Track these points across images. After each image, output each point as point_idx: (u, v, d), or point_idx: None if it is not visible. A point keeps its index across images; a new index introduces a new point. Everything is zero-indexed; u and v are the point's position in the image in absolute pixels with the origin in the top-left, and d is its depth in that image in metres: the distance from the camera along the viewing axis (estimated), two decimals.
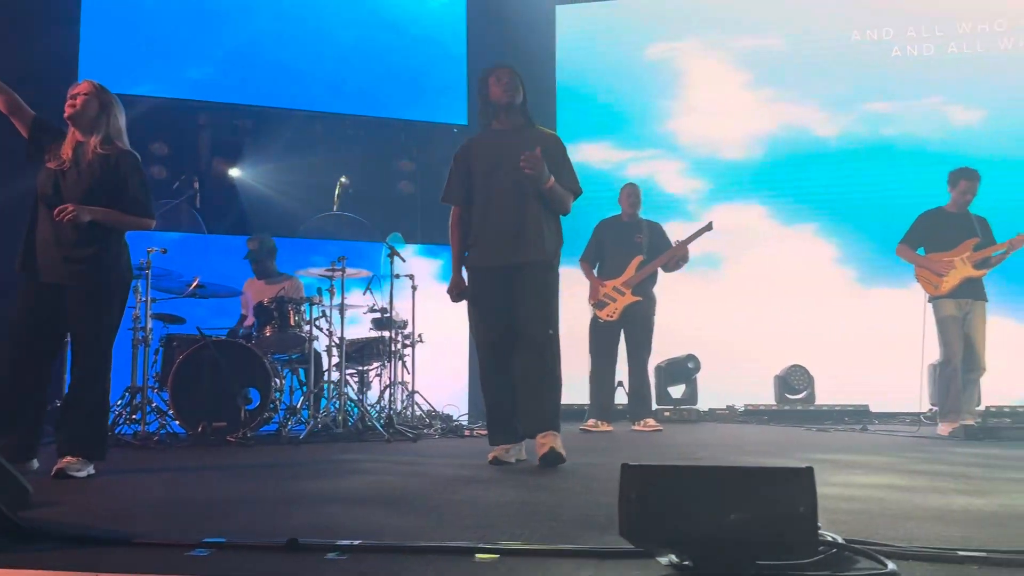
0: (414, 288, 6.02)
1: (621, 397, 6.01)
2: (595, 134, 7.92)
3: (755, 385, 7.07)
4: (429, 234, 7.59)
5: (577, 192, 3.53)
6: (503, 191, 3.42)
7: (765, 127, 7.76)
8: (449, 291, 3.57)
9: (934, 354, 5.42)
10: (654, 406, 6.59)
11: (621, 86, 8.02)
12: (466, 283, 3.54)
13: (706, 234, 5.78)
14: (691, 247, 5.80)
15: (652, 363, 6.12)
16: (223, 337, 5.17)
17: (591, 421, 5.71)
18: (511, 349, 3.41)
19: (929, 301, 5.32)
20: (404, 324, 5.90)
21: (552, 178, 3.35)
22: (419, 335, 6.04)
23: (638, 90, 8.00)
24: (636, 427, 5.65)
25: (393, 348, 5.73)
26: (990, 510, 2.22)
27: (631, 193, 5.98)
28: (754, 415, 6.91)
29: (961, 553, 1.59)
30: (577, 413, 6.01)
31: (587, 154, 7.76)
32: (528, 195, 3.40)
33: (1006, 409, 6.63)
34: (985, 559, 1.56)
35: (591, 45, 8.10)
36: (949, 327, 5.20)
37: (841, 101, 7.64)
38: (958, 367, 5.18)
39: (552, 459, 3.19)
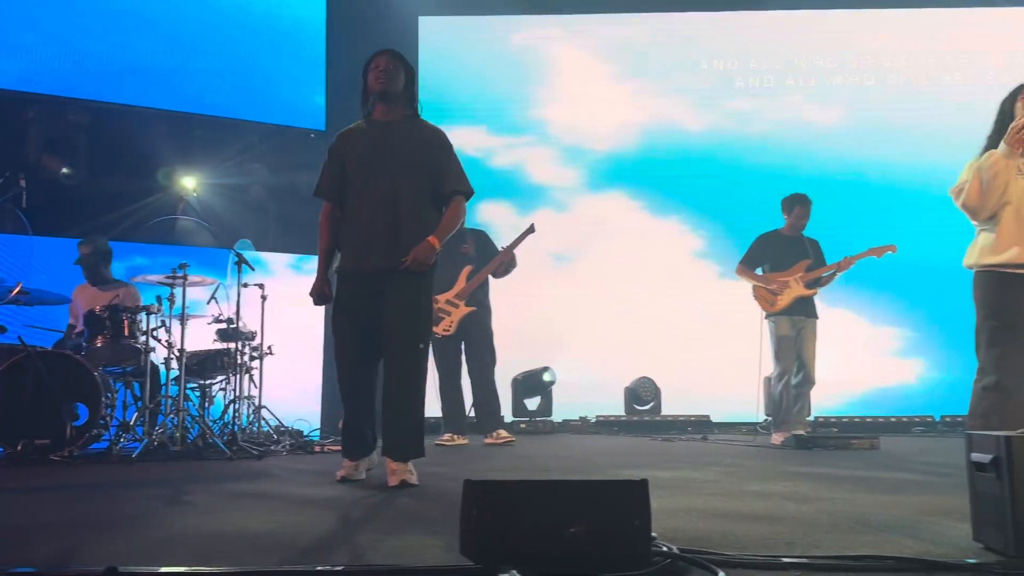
0: (264, 298, 5.78)
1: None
2: (463, 119, 7.92)
3: (608, 396, 7.27)
4: (282, 242, 7.34)
5: (466, 192, 3.29)
6: (378, 189, 3.16)
7: (636, 118, 7.96)
8: (311, 294, 3.30)
9: (769, 367, 5.74)
10: (510, 418, 6.64)
11: (488, 74, 8.03)
12: (331, 287, 3.29)
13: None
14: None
15: (508, 372, 6.15)
16: (48, 348, 4.79)
17: (446, 435, 5.66)
18: (375, 362, 3.22)
19: (766, 318, 5.65)
20: (252, 335, 5.64)
21: (437, 240, 3.15)
22: (268, 347, 5.80)
23: (506, 77, 8.04)
24: (488, 440, 5.64)
25: (239, 361, 5.47)
26: (813, 517, 2.34)
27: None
28: (605, 426, 7.10)
29: (785, 560, 1.66)
30: (433, 427, 5.96)
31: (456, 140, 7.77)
32: (404, 195, 3.15)
33: (832, 419, 7.17)
34: (807, 565, 1.64)
35: (455, 51, 8.11)
36: (783, 343, 5.54)
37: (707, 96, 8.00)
38: (790, 380, 5.52)
39: (403, 486, 3.05)
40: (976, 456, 1.90)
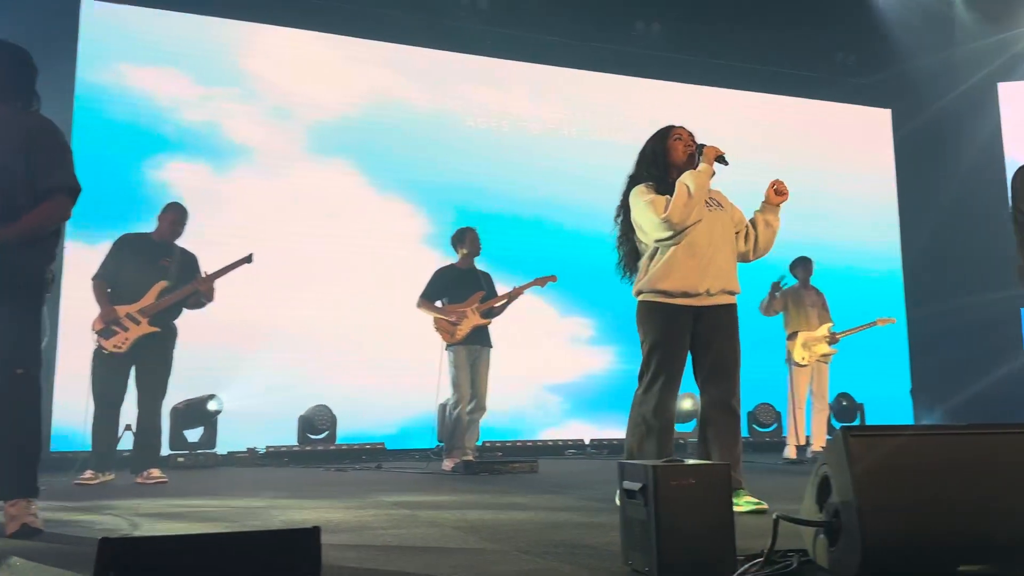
0: None
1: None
2: (155, 60, 7.14)
3: (280, 425, 6.92)
4: None
5: (66, 188, 2.84)
6: None
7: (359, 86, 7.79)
8: None
9: (446, 394, 5.88)
10: (167, 451, 6.03)
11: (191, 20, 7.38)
12: None
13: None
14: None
15: (168, 401, 5.56)
16: None
17: (88, 473, 4.95)
18: None
19: (446, 348, 5.79)
20: None
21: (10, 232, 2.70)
22: None
23: (211, 23, 7.43)
24: (139, 479, 5.02)
25: None
26: (480, 546, 2.38)
27: (168, 212, 5.42)
28: (275, 457, 6.75)
29: None
30: (71, 461, 5.21)
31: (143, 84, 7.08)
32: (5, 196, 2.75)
33: (499, 444, 7.55)
34: None
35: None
36: (460, 371, 5.71)
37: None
38: (464, 408, 5.70)
39: (26, 535, 2.60)
40: (627, 484, 2.06)
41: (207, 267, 5.34)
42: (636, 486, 1.99)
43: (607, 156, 8.46)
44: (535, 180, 8.18)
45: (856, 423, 7.91)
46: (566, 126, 8.53)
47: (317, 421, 6.97)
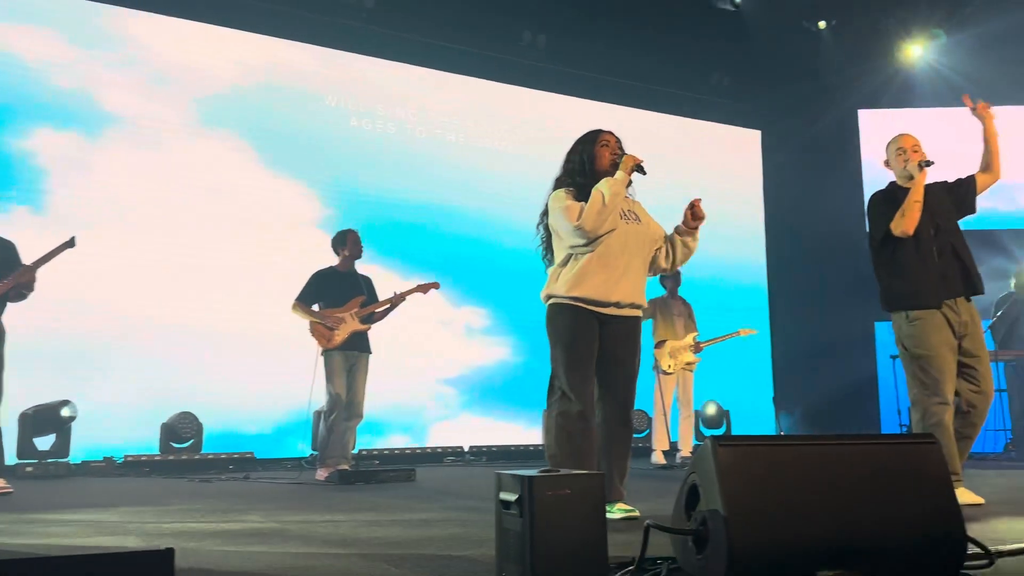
0: None
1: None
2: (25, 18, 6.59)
3: (142, 432, 6.53)
4: None
5: None
6: None
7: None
8: None
9: (321, 401, 5.71)
10: (13, 460, 5.59)
11: None
12: None
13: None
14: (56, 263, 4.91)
15: (17, 407, 5.15)
16: None
17: None
18: None
19: (321, 354, 5.62)
20: None
21: None
22: None
23: None
24: None
25: None
26: (347, 565, 2.31)
27: None
28: (134, 467, 6.37)
29: None
30: None
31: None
32: None
33: (375, 452, 7.41)
34: None
35: None
36: (336, 377, 5.55)
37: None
38: (340, 415, 5.54)
39: None
40: (503, 495, 2.04)
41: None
42: (512, 496, 1.98)
43: (491, 163, 8.52)
44: (417, 182, 8.11)
45: (722, 430, 8.25)
46: (451, 131, 8.50)
47: (181, 429, 6.63)
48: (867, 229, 4.04)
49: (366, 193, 7.84)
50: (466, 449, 7.87)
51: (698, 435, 8.00)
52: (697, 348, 6.94)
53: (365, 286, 5.84)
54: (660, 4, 8.62)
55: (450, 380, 7.99)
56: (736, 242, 9.68)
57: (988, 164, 3.91)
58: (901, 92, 9.62)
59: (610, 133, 3.55)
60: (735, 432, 8.34)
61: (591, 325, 3.33)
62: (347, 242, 5.80)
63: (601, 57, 9.01)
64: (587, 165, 3.46)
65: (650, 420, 7.39)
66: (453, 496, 4.42)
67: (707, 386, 7.71)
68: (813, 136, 9.71)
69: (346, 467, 5.48)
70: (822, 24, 9.33)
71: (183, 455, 6.57)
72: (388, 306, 5.75)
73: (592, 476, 2.06)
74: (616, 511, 3.16)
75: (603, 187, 3.30)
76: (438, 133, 8.40)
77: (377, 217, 7.69)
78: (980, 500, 3.57)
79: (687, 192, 3.84)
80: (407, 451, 7.53)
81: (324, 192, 7.68)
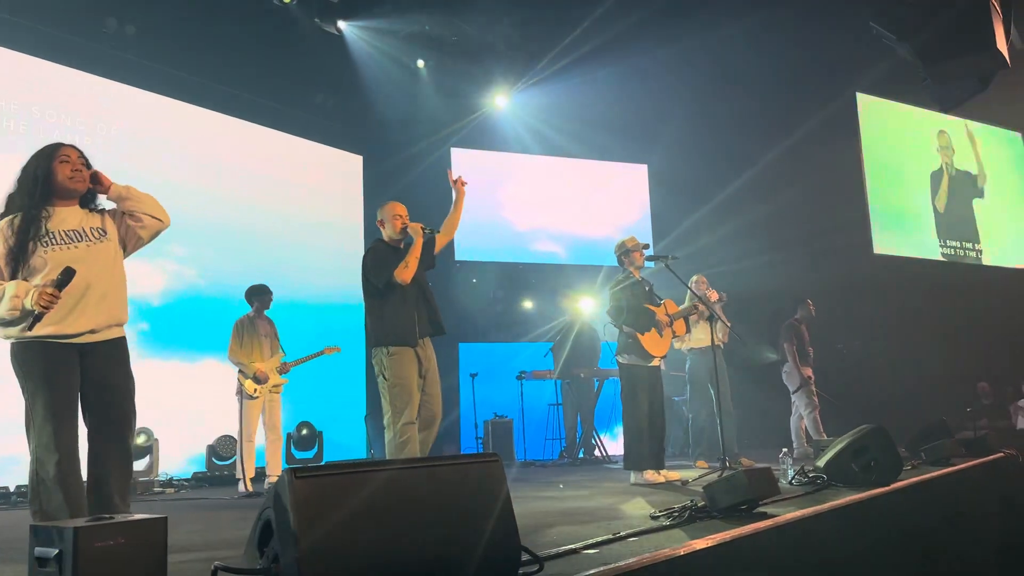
0: None
1: None
2: None
3: None
4: None
5: None
6: None
7: None
8: None
9: None
10: None
11: None
12: None
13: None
14: None
15: None
16: None
17: None
18: None
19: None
20: None
21: None
22: None
23: None
24: None
25: None
26: None
27: None
28: None
29: None
30: None
31: None
32: None
33: None
34: None
35: None
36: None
37: None
38: None
39: None
40: (39, 551, 1.75)
41: None
42: (51, 552, 1.70)
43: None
44: None
45: (314, 451, 8.20)
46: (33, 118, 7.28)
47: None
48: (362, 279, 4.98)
49: None
50: (12, 490, 6.70)
51: (289, 458, 7.86)
52: (284, 369, 6.75)
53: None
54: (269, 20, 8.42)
55: None
56: (331, 257, 9.70)
57: (449, 227, 5.03)
58: (487, 135, 10.62)
59: (71, 147, 3.09)
60: (328, 454, 8.35)
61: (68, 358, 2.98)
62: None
63: (198, 59, 8.43)
64: (42, 184, 3.01)
65: (236, 446, 7.06)
66: None
67: (300, 407, 7.59)
68: (404, 165, 10.15)
69: None
70: (420, 63, 9.94)
71: None
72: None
73: (155, 520, 1.87)
74: None
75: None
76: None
77: None
78: None
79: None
80: None
81: None
